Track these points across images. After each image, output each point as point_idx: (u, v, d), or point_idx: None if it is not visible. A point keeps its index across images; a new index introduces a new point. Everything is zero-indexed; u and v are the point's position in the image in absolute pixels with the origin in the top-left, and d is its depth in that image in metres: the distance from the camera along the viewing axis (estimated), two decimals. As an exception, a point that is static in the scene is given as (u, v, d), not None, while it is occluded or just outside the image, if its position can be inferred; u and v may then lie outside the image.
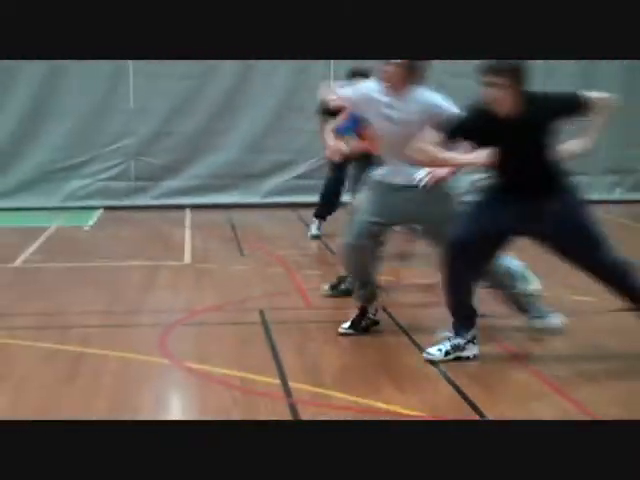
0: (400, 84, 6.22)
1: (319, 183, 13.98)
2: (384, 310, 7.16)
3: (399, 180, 6.28)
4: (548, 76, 14.08)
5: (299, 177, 14.15)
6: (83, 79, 13.76)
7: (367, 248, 6.35)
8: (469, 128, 5.82)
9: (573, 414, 4.94)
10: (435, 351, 5.89)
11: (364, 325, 6.60)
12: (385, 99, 6.29)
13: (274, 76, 13.95)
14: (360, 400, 5.40)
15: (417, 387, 5.52)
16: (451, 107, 6.15)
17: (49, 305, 7.65)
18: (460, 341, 5.89)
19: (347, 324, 6.62)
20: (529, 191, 5.69)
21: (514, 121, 5.56)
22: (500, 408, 5.05)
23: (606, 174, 14.53)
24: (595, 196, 14.17)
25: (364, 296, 6.58)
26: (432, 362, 5.84)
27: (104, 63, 13.58)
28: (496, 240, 5.83)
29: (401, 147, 6.00)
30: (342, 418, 5.04)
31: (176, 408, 5.37)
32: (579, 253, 5.82)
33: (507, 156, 5.63)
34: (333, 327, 6.94)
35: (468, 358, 5.89)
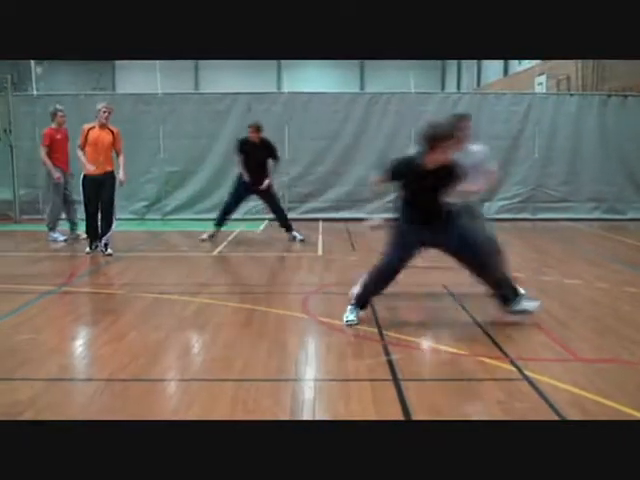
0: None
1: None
2: (444, 287, 7.09)
3: None
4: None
5: (390, 202, 14.04)
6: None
7: None
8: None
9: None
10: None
11: None
12: None
13: (376, 139, 13.93)
14: (428, 343, 5.36)
15: (461, 334, 5.46)
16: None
17: (234, 279, 7.77)
18: None
19: None
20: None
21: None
22: (518, 351, 4.96)
23: (587, 201, 14.08)
24: (581, 216, 13.84)
25: None
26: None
27: (271, 128, 13.79)
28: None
29: None
30: (415, 355, 5.02)
31: (311, 345, 5.39)
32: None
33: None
34: (412, 296, 6.89)
35: None
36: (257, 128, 10.60)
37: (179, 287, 7.31)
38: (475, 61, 29.55)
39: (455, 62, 32.70)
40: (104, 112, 9.22)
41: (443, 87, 34.12)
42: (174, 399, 4.21)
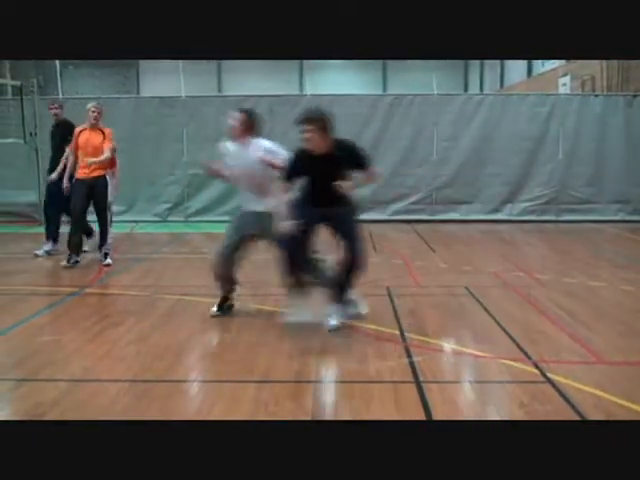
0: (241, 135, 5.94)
1: (426, 207, 13.93)
2: (466, 289, 7.06)
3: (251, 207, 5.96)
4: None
5: (412, 203, 14.03)
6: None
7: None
8: (296, 168, 5.61)
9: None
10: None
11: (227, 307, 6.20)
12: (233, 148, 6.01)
13: (399, 141, 13.92)
14: (450, 346, 5.33)
15: (484, 336, 5.43)
16: (281, 150, 5.87)
17: (256, 280, 7.77)
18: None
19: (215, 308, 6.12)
20: (326, 201, 5.56)
21: (322, 157, 5.49)
22: (541, 353, 4.91)
23: (612, 203, 13.93)
24: (606, 217, 13.69)
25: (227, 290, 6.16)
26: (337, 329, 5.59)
27: (294, 130, 13.77)
28: (310, 230, 5.63)
29: (247, 182, 5.90)
30: (437, 357, 4.99)
31: (333, 347, 5.37)
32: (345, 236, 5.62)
33: (316, 180, 5.59)
34: (434, 299, 6.86)
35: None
36: (59, 106, 9.63)
37: (202, 289, 7.33)
38: (498, 62, 29.37)
39: (478, 63, 32.52)
40: (92, 112, 8.69)
41: (466, 89, 33.95)
42: (197, 400, 4.22)
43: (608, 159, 13.76)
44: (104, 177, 8.69)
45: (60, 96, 14.27)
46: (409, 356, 4.86)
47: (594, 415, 3.78)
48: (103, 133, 8.76)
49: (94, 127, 8.74)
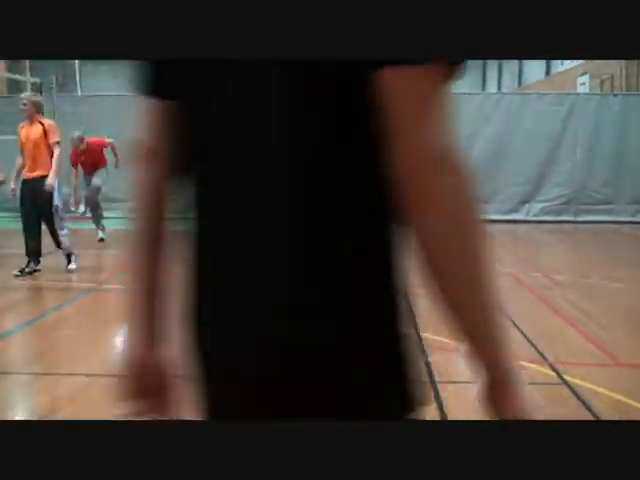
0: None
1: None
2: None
3: None
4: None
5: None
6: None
7: None
8: None
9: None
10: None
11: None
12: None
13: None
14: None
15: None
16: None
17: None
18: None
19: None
20: None
21: None
22: (558, 355, 4.89)
23: (631, 204, 13.83)
24: (623, 218, 13.58)
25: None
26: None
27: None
28: None
29: None
30: (452, 357, 4.98)
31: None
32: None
33: None
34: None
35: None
36: None
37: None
38: (516, 61, 29.24)
39: (496, 62, 32.37)
40: (21, 105, 7.81)
41: (484, 87, 33.82)
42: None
43: (627, 159, 13.65)
44: (47, 176, 7.75)
45: (79, 93, 14.36)
46: (424, 355, 4.85)
47: (611, 418, 3.75)
48: (42, 125, 7.80)
49: (32, 121, 7.80)
